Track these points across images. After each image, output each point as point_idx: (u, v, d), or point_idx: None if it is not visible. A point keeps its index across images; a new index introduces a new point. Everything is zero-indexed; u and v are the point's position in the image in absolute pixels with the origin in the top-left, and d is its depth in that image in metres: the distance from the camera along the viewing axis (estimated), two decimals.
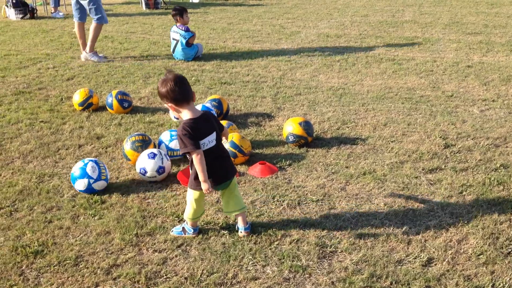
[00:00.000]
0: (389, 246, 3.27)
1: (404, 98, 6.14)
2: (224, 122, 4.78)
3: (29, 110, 5.75)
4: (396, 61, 7.80)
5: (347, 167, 4.38)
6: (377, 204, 3.79)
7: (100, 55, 8.07)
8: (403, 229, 3.45)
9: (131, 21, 11.50)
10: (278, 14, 12.44)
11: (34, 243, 3.27)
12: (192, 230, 3.38)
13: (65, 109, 5.82)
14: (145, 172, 4.06)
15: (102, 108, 5.79)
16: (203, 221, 3.54)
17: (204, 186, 3.09)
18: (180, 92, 3.00)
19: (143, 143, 4.38)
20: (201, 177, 3.07)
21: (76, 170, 3.90)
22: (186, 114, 3.07)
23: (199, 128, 3.04)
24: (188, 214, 3.33)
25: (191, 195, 3.28)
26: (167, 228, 3.47)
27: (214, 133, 3.13)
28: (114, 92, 5.65)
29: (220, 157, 3.22)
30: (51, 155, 4.63)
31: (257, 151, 4.73)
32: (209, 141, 3.10)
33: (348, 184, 4.10)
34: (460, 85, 6.57)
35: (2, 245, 3.24)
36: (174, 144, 4.47)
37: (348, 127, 5.27)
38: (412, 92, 6.36)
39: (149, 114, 5.66)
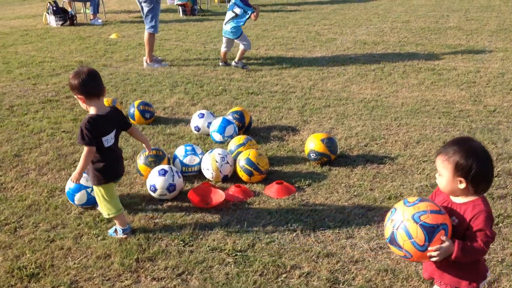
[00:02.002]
0: (410, 287, 2.93)
1: (442, 112, 5.71)
2: (242, 137, 4.56)
3: (53, 120, 5.73)
4: (436, 71, 7.33)
5: (371, 190, 4.05)
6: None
7: (160, 59, 8.17)
8: None
9: (166, 28, 11.50)
10: (315, 20, 12.12)
11: (32, 264, 3.14)
12: (122, 231, 3.41)
13: None
14: (155, 189, 3.89)
15: None
16: (208, 246, 3.32)
17: (75, 176, 3.20)
18: (92, 86, 3.11)
19: (156, 158, 4.22)
20: (79, 168, 3.18)
21: (70, 184, 3.76)
22: (93, 109, 3.18)
23: (103, 124, 3.17)
24: (104, 212, 3.38)
25: (99, 192, 3.33)
26: (170, 253, 3.27)
27: (114, 131, 3.27)
28: (136, 103, 5.54)
29: (119, 155, 3.43)
30: (66, 168, 4.54)
31: (276, 168, 4.47)
32: (110, 138, 3.24)
33: (370, 209, 3.77)
34: (505, 99, 6.06)
35: None
36: (189, 160, 4.28)
37: (377, 144, 4.92)
38: (451, 105, 5.92)
39: (171, 125, 5.51)
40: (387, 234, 2.24)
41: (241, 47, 7.77)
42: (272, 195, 3.99)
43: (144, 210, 3.81)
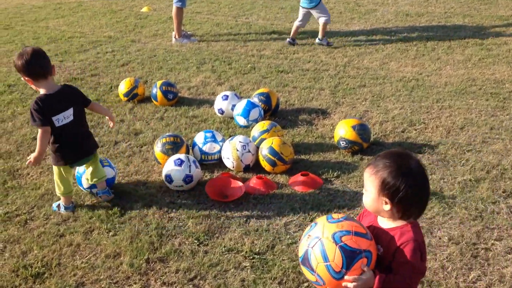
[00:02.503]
0: None
1: (490, 93, 5.17)
2: (267, 122, 4.23)
3: None
4: (484, 46, 6.70)
5: None
6: (440, 238, 3.07)
7: (189, 34, 7.83)
8: (470, 276, 2.74)
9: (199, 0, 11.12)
10: None
11: (38, 263, 2.98)
12: (64, 208, 3.42)
13: (111, 99, 5.57)
14: (171, 180, 3.64)
15: (148, 99, 5.46)
16: (224, 246, 3.07)
17: (34, 157, 3.16)
18: (36, 66, 3.03)
19: (174, 146, 3.96)
20: (36, 151, 3.15)
21: (79, 168, 3.63)
22: (42, 90, 3.12)
23: (52, 103, 3.09)
24: (56, 190, 3.41)
25: (54, 171, 3.36)
26: (183, 253, 3.04)
27: (71, 109, 3.17)
28: (159, 83, 5.29)
29: (79, 134, 3.29)
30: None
31: (302, 156, 4.13)
32: (64, 117, 3.15)
33: None
34: None
35: (5, 263, 3.00)
36: (208, 147, 4.01)
37: (415, 130, 4.49)
38: (500, 85, 5.36)
39: (194, 107, 5.24)
40: (301, 252, 1.89)
41: (321, 20, 7.04)
42: (296, 187, 3.67)
43: (159, 202, 3.58)
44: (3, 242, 3.17)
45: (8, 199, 3.65)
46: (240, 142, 3.90)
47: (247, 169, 3.95)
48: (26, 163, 3.29)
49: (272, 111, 4.87)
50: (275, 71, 6.19)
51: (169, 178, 3.65)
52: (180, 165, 3.63)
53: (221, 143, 4.05)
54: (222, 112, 4.89)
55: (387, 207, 1.83)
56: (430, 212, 3.30)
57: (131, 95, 5.38)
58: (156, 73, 6.40)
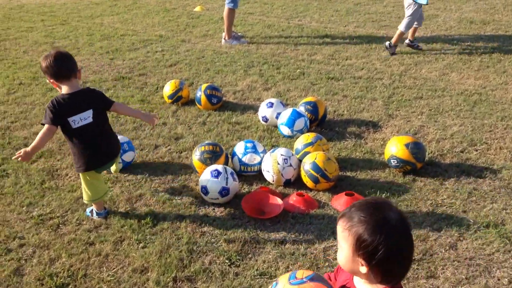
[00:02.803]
0: None
1: None
2: (312, 135, 3.97)
3: (121, 99, 5.52)
4: None
5: (464, 212, 3.32)
6: (498, 279, 2.72)
7: (239, 35, 7.68)
8: None
9: (252, 0, 10.97)
10: None
11: (64, 272, 2.88)
12: (96, 214, 3.35)
13: (155, 100, 5.49)
14: (207, 192, 3.47)
15: (192, 102, 5.33)
16: (256, 269, 2.85)
17: (25, 151, 3.01)
18: (60, 67, 3.02)
19: (213, 155, 3.79)
20: (31, 145, 3.04)
21: None
22: (63, 90, 3.09)
23: (69, 104, 3.04)
24: (83, 197, 3.33)
25: (81, 177, 3.28)
26: (213, 273, 2.85)
27: (90, 111, 3.10)
28: (203, 86, 5.14)
29: (99, 136, 3.18)
30: None
31: (348, 173, 3.85)
32: (81, 118, 3.08)
33: (461, 239, 3.06)
34: None
35: (32, 270, 2.92)
36: (248, 158, 3.81)
37: (476, 151, 4.10)
38: None
39: (238, 113, 5.06)
40: None
41: (404, 21, 6.60)
42: (339, 208, 3.40)
43: (193, 214, 3.41)
44: (33, 246, 3.10)
45: (44, 200, 3.60)
46: (281, 155, 3.67)
47: (287, 183, 3.72)
48: (14, 157, 3.08)
49: (319, 122, 4.61)
50: (325, 78, 5.91)
51: (204, 189, 3.48)
52: (217, 176, 3.45)
53: (262, 155, 3.84)
54: (266, 120, 4.68)
55: (364, 269, 1.52)
56: (489, 248, 2.95)
57: (176, 97, 5.27)
58: (203, 74, 6.28)
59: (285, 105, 4.75)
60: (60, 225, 3.34)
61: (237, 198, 3.56)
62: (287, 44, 7.40)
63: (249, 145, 3.87)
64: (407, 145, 3.70)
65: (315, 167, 3.55)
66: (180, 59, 6.92)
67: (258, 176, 3.85)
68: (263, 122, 4.74)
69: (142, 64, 6.78)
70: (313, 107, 4.56)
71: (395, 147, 3.75)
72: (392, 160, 3.77)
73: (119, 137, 3.63)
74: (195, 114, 5.06)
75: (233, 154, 3.90)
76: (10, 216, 3.41)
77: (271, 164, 3.67)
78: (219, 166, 3.54)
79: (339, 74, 6.03)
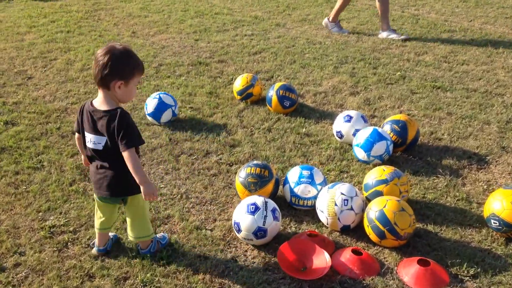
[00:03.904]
0: None
1: None
2: (388, 169, 3.08)
3: (189, 89, 5.01)
4: None
5: None
6: None
7: (343, 28, 6.82)
8: None
9: None
10: None
11: None
12: (96, 247, 2.78)
13: (225, 94, 4.89)
14: (239, 229, 2.81)
15: (263, 101, 4.65)
16: None
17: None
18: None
19: (259, 180, 3.10)
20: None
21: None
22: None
23: (88, 116, 2.48)
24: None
25: None
26: None
27: (104, 138, 2.43)
28: (277, 85, 4.43)
29: (98, 170, 2.54)
30: (170, 162, 3.74)
31: (429, 227, 2.94)
32: (90, 139, 2.48)
33: None
34: None
35: None
36: (302, 190, 3.06)
37: None
38: None
39: (312, 121, 4.28)
40: None
41: None
42: (407, 280, 2.54)
43: (219, 257, 2.77)
44: (29, 269, 2.70)
45: (64, 207, 3.21)
46: (341, 193, 2.87)
47: (345, 230, 2.92)
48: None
49: (407, 147, 3.68)
50: (429, 86, 4.86)
51: (237, 226, 2.82)
52: (253, 212, 2.77)
53: (319, 187, 3.07)
54: (341, 136, 3.86)
55: None
56: None
57: (245, 94, 4.63)
58: (286, 68, 5.54)
59: (367, 120, 3.88)
60: (68, 244, 2.89)
61: (276, 239, 2.85)
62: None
63: (305, 173, 3.11)
64: None
65: (383, 218, 2.70)
66: (267, 47, 6.23)
67: (312, 212, 3.10)
68: (337, 138, 3.92)
69: (226, 48, 6.21)
70: (402, 128, 3.63)
71: (500, 203, 2.75)
72: (492, 220, 2.78)
73: None
74: (262, 117, 4.38)
75: (285, 182, 3.17)
76: (22, 223, 3.05)
77: (327, 203, 2.88)
78: (259, 199, 2.84)
79: (449, 82, 4.92)
